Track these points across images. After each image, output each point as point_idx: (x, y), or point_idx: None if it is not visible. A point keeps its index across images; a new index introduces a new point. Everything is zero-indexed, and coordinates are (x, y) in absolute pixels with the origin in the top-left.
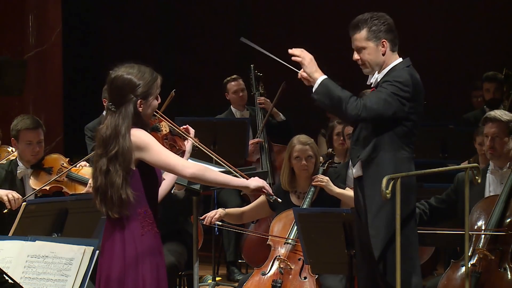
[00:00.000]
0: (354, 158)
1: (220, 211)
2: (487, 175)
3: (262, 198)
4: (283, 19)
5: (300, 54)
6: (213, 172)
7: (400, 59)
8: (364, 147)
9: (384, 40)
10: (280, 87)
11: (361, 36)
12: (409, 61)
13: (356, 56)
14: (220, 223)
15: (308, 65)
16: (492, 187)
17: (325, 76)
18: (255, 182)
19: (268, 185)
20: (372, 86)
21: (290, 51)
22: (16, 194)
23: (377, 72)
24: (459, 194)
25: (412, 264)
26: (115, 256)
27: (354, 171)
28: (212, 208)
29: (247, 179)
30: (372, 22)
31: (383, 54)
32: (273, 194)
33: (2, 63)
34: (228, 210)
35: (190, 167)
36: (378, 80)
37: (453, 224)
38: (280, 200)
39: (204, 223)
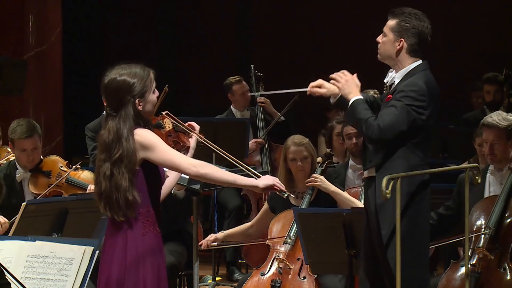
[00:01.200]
0: (366, 161)
1: (218, 235)
2: (487, 175)
3: (264, 207)
4: (283, 19)
5: (336, 77)
6: (219, 171)
7: (419, 62)
8: (376, 151)
9: (402, 39)
10: (293, 100)
11: (390, 23)
12: (427, 64)
13: (379, 38)
14: (216, 243)
15: (342, 87)
16: (492, 187)
17: (357, 97)
18: (264, 181)
19: (279, 181)
20: (387, 84)
21: (331, 76)
22: (2, 219)
23: (394, 71)
24: (461, 195)
25: (426, 271)
26: (116, 256)
27: (365, 172)
28: (212, 208)
29: (258, 177)
30: (405, 18)
31: (397, 53)
32: (285, 190)
33: (2, 63)
34: (228, 231)
35: (196, 165)
36: (396, 82)
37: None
38: (294, 196)
39: (203, 248)
